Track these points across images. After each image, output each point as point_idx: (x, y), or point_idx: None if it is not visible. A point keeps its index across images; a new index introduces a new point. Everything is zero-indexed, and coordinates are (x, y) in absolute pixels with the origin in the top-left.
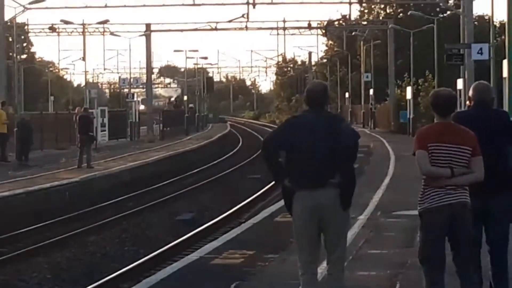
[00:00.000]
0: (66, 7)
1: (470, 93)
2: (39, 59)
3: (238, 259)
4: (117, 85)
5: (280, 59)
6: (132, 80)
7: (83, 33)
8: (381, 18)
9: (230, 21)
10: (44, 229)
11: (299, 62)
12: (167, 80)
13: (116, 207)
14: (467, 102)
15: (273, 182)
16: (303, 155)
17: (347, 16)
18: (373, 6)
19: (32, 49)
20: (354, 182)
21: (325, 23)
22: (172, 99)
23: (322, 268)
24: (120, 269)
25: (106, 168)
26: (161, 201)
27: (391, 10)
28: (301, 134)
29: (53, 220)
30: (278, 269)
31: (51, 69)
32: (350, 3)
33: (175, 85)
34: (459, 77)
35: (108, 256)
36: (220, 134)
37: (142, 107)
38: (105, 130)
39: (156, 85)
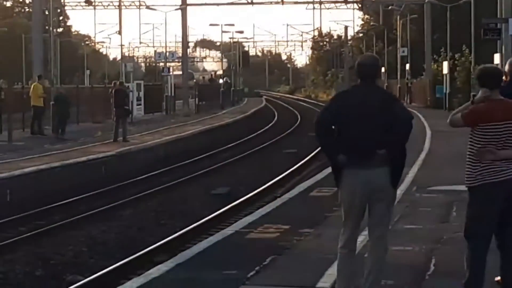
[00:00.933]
0: None
1: (506, 68)
2: (76, 33)
3: (273, 234)
4: (153, 59)
5: (316, 33)
6: (167, 54)
7: (119, 6)
8: None
9: None
10: (79, 202)
11: (335, 37)
12: (203, 54)
13: (152, 180)
14: (504, 78)
15: (309, 156)
16: (354, 132)
17: None
18: None
19: (68, 23)
20: (404, 161)
21: None
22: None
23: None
24: (156, 243)
25: (142, 141)
26: (196, 175)
27: None
28: (353, 110)
29: (89, 193)
30: (314, 244)
31: (87, 42)
32: None
33: (211, 60)
34: (496, 52)
35: (143, 229)
36: (256, 109)
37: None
38: (140, 104)
39: (192, 60)
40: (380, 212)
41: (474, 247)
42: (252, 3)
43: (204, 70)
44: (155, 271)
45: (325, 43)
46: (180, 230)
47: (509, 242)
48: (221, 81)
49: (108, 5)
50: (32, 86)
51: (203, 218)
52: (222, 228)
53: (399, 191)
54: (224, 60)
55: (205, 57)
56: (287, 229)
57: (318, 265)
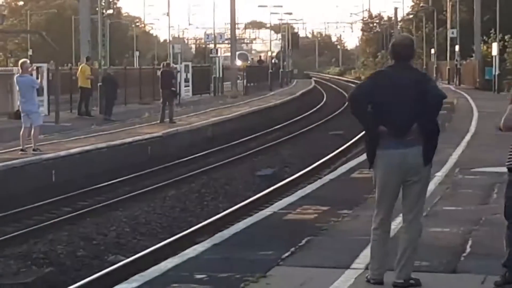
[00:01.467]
0: None
1: None
2: (126, 14)
3: (311, 215)
4: (202, 41)
5: (366, 15)
6: (216, 35)
7: None
8: None
9: None
10: (124, 183)
11: (385, 18)
12: (253, 35)
13: (197, 161)
14: None
15: (355, 138)
16: (387, 110)
17: None
18: None
19: (119, 4)
20: (437, 140)
21: None
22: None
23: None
24: (198, 224)
25: (189, 123)
26: (241, 156)
27: None
28: (387, 89)
29: (134, 174)
30: (351, 225)
31: (137, 24)
32: None
33: (261, 42)
34: None
35: (187, 210)
36: (304, 90)
37: (239, 62)
38: (188, 86)
39: (242, 41)
40: (415, 193)
41: None
42: None
43: (258, 52)
44: (191, 251)
45: (375, 24)
46: (223, 211)
47: None
48: (275, 60)
49: None
50: (79, 68)
51: (247, 199)
52: (262, 209)
53: (441, 173)
54: (278, 40)
55: (255, 39)
56: (325, 210)
57: (354, 246)
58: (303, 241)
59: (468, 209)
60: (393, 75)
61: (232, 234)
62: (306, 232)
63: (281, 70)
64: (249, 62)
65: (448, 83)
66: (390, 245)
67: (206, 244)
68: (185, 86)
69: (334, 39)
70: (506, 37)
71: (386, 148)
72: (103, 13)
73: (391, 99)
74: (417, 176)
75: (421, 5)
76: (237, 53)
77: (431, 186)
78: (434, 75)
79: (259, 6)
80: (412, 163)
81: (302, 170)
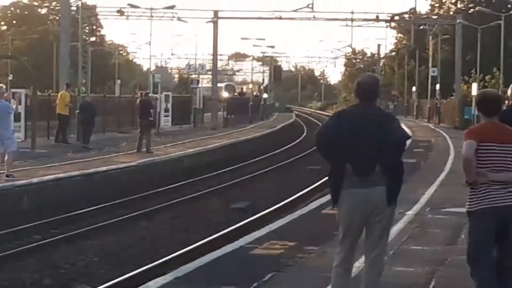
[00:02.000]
0: None
1: (509, 92)
2: (110, 42)
3: (278, 250)
4: (185, 71)
5: (349, 50)
6: (198, 66)
7: (151, 18)
8: (451, 13)
9: (295, 11)
10: (96, 212)
11: (368, 54)
12: (236, 68)
13: (171, 193)
14: (506, 102)
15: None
16: (352, 149)
17: (412, 10)
18: (443, 1)
19: (102, 32)
20: (401, 180)
21: (394, 16)
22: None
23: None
24: (167, 255)
25: (166, 153)
26: (217, 188)
27: (462, 5)
28: (351, 129)
29: (107, 203)
30: (316, 262)
31: (121, 52)
32: None
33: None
34: None
35: (157, 241)
36: (284, 124)
37: (225, 94)
38: (168, 116)
39: (225, 72)
40: (378, 233)
41: (477, 272)
42: (281, 18)
43: (244, 82)
44: (152, 284)
45: (358, 60)
46: (194, 244)
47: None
48: (256, 93)
49: (141, 15)
50: (59, 94)
51: (219, 231)
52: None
53: (412, 212)
54: (261, 73)
55: (238, 70)
56: (292, 245)
57: (316, 283)
58: (267, 277)
59: (435, 249)
60: (357, 114)
61: (196, 267)
62: (271, 267)
63: (262, 103)
64: (235, 93)
65: (428, 121)
66: (352, 284)
67: (169, 277)
68: (165, 116)
69: (317, 73)
70: (486, 77)
71: (350, 188)
72: (86, 40)
73: (354, 139)
74: (380, 216)
75: (403, 42)
76: (224, 84)
77: (400, 225)
78: (415, 113)
79: (242, 38)
80: (376, 203)
81: (277, 204)
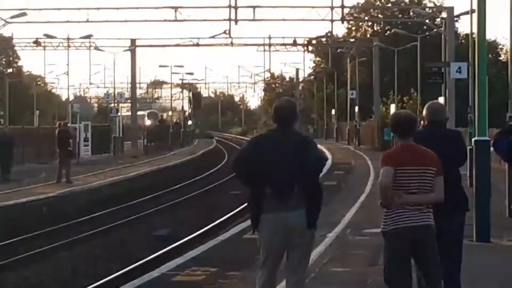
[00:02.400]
0: (48, 22)
1: (424, 112)
2: (27, 73)
3: (199, 276)
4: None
5: (268, 75)
6: (116, 94)
7: (68, 47)
8: (368, 35)
9: (212, 37)
10: (16, 244)
11: (287, 79)
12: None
13: (92, 222)
14: (422, 122)
15: None
16: (269, 173)
17: (329, 34)
18: (360, 24)
19: (20, 63)
20: (320, 202)
21: (312, 40)
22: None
23: None
24: (88, 286)
25: (86, 183)
26: (138, 216)
27: (378, 28)
28: (268, 153)
29: (25, 235)
30: (238, 287)
31: (39, 83)
32: (332, 21)
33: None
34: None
35: (79, 272)
36: (205, 150)
37: (148, 122)
38: (88, 145)
39: (145, 100)
40: (298, 256)
41: None
42: (198, 44)
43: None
44: None
45: (277, 85)
46: (115, 273)
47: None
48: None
49: (58, 45)
50: None
51: (140, 260)
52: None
53: (332, 234)
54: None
55: (158, 98)
56: (214, 271)
57: None
58: None
59: (356, 271)
60: (275, 139)
61: None
62: None
63: (182, 129)
64: (158, 120)
65: (348, 144)
66: None
67: None
68: (85, 146)
69: (237, 98)
70: (404, 98)
71: (270, 212)
72: (3, 72)
73: (272, 163)
74: (300, 239)
75: (321, 66)
76: (147, 111)
77: (322, 247)
78: (335, 135)
79: (160, 66)
80: (295, 226)
81: (199, 230)
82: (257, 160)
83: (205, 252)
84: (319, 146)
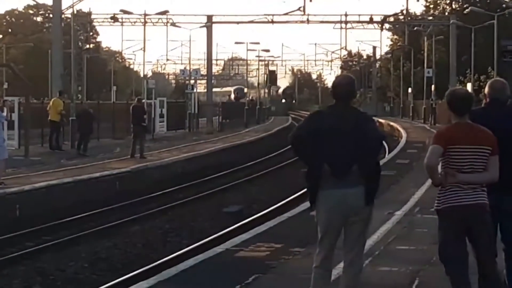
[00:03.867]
0: None
1: (486, 90)
2: (106, 49)
3: (263, 252)
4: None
5: (344, 53)
6: (192, 71)
7: (144, 23)
8: (446, 13)
9: (286, 14)
10: (88, 218)
11: (364, 56)
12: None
13: (164, 198)
14: (484, 100)
15: None
16: (327, 150)
17: (404, 11)
18: (438, 1)
19: (98, 39)
20: (379, 179)
21: (387, 17)
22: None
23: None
24: (156, 261)
25: (159, 158)
26: (210, 192)
27: (457, 6)
28: (326, 130)
29: (99, 209)
30: (301, 263)
31: (117, 59)
32: None
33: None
34: None
35: (149, 246)
36: (280, 127)
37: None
38: (163, 121)
39: (222, 77)
40: (356, 233)
41: (450, 271)
42: (272, 21)
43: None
44: None
45: (354, 62)
46: (186, 248)
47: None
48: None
49: (135, 21)
50: (51, 101)
51: (210, 236)
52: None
53: (400, 212)
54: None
55: (235, 75)
56: (278, 247)
57: (298, 285)
58: (250, 279)
59: (421, 249)
60: (333, 115)
61: (179, 271)
62: (255, 270)
63: (257, 107)
64: (247, 98)
65: (424, 122)
66: (332, 284)
67: (151, 281)
68: (160, 122)
69: (314, 76)
70: (481, 77)
71: (327, 188)
72: (80, 47)
73: (330, 140)
74: (358, 216)
75: (398, 44)
76: (233, 88)
77: (388, 225)
78: (411, 113)
79: (236, 43)
80: (353, 203)
81: (270, 207)
82: (314, 137)
83: (271, 228)
84: (392, 123)
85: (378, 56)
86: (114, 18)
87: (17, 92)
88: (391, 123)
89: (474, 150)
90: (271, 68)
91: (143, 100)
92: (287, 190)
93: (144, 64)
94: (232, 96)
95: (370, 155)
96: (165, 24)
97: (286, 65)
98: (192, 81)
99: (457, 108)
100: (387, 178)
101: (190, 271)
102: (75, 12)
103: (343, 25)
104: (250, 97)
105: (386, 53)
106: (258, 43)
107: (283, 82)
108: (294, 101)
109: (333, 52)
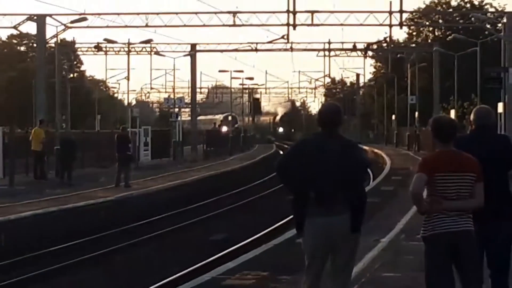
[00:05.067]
0: (107, 26)
1: (471, 117)
2: (90, 78)
3: (250, 280)
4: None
5: (328, 80)
6: (176, 99)
7: (128, 52)
8: (429, 40)
9: (270, 42)
10: (72, 248)
11: (348, 84)
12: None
13: (149, 226)
14: (470, 126)
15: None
16: (313, 178)
17: (387, 39)
18: (421, 29)
19: (82, 68)
20: (365, 207)
21: (371, 45)
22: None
23: None
24: None
25: (144, 187)
26: (195, 221)
27: (439, 33)
28: (312, 157)
29: (83, 239)
30: None
31: (101, 87)
32: (390, 26)
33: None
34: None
35: (133, 276)
36: (264, 155)
37: (224, 128)
38: (148, 149)
39: (206, 105)
40: (343, 260)
41: None
42: (256, 49)
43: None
44: None
45: (338, 90)
46: (171, 276)
47: None
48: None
49: (119, 50)
50: (33, 131)
51: (196, 264)
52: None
53: (386, 239)
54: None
55: (219, 103)
56: (265, 275)
57: None
58: None
59: (407, 276)
60: (319, 143)
61: None
62: None
63: (242, 134)
64: (236, 125)
65: (408, 149)
66: None
67: None
68: (145, 150)
69: (298, 104)
70: (465, 104)
71: (314, 216)
72: (64, 76)
73: (315, 167)
74: (344, 243)
75: (381, 71)
76: (223, 115)
77: (374, 252)
78: (395, 140)
79: (220, 71)
80: (339, 231)
81: (255, 235)
82: (301, 164)
83: (258, 256)
84: (377, 150)
85: (361, 83)
86: (98, 47)
87: (2, 122)
88: (376, 150)
89: (459, 177)
90: (255, 96)
91: (128, 129)
92: (273, 217)
93: (128, 93)
94: (224, 128)
95: (355, 182)
96: (149, 52)
97: (270, 93)
98: (176, 110)
99: (441, 136)
100: (372, 205)
101: None
102: (59, 41)
103: (327, 52)
104: (235, 125)
105: (370, 80)
106: (242, 71)
107: (280, 108)
108: (293, 130)
109: (316, 79)
